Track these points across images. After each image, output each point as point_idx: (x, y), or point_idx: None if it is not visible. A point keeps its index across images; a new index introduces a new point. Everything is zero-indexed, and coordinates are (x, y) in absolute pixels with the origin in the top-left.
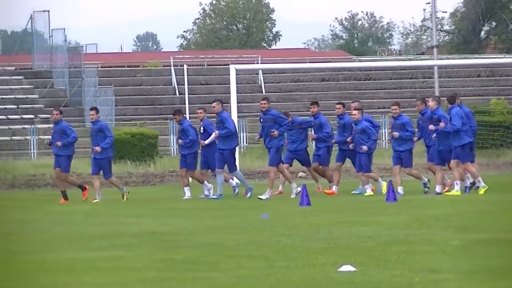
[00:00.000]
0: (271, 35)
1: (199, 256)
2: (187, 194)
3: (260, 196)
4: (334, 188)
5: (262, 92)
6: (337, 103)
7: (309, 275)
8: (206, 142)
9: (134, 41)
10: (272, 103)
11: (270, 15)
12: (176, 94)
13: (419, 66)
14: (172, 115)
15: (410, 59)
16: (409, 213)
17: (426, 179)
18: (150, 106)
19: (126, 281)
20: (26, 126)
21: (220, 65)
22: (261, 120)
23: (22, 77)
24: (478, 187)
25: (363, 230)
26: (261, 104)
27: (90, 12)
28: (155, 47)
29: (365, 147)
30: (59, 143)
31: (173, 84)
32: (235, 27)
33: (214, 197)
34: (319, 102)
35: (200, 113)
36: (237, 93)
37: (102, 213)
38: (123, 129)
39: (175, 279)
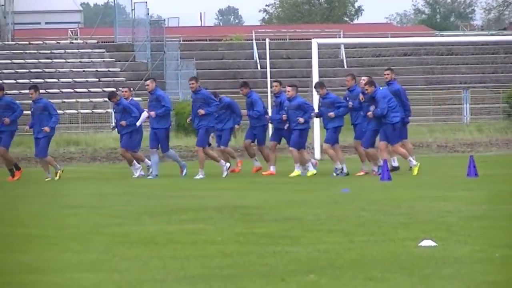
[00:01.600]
0: (353, 9)
1: (279, 230)
2: (137, 172)
3: (195, 177)
4: (271, 168)
5: (343, 67)
6: (274, 81)
7: (389, 250)
8: (138, 123)
9: (216, 15)
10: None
11: None
12: (257, 68)
13: (501, 42)
14: (108, 99)
15: (492, 34)
16: (490, 188)
17: (340, 165)
18: (231, 80)
19: (206, 254)
20: (108, 99)
21: (302, 40)
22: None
23: (104, 50)
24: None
25: (444, 205)
26: (190, 84)
27: None
28: (237, 21)
29: (301, 119)
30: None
31: (254, 58)
32: (317, 1)
33: (150, 177)
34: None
35: (125, 92)
36: (318, 67)
37: (182, 187)
38: None
39: (255, 253)
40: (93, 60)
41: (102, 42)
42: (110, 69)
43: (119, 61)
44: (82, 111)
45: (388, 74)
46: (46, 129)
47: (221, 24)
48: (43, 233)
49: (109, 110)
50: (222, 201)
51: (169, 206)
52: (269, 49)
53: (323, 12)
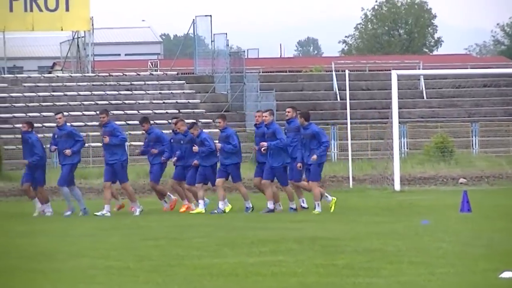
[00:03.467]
0: (433, 40)
1: (360, 262)
2: (38, 206)
3: (96, 213)
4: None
5: (423, 98)
6: (174, 117)
7: (469, 281)
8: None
9: (296, 46)
10: (433, 109)
11: (432, 21)
12: (337, 100)
13: None
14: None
15: None
16: None
17: (251, 205)
18: (311, 111)
19: (286, 286)
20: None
21: (381, 71)
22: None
23: (183, 81)
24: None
25: None
26: (101, 117)
27: (251, 16)
28: (316, 52)
29: (199, 148)
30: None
31: (334, 90)
32: (396, 33)
33: (67, 213)
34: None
35: (23, 127)
36: (398, 98)
37: (263, 219)
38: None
39: (336, 285)
40: (173, 91)
41: (182, 74)
42: (190, 100)
43: (199, 92)
44: None
45: (289, 112)
46: None
47: (300, 55)
48: (124, 265)
49: None
50: (302, 233)
51: (249, 238)
52: (349, 80)
53: (403, 43)
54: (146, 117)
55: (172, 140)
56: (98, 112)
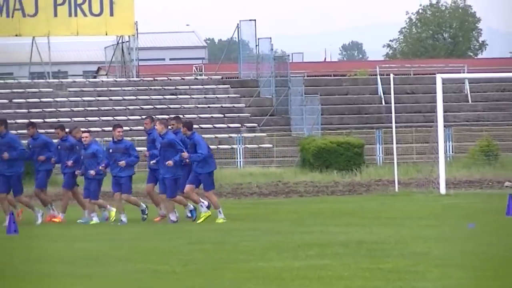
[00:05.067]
0: (478, 44)
1: (405, 266)
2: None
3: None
4: (61, 215)
5: (468, 102)
6: (57, 126)
7: None
8: None
9: (340, 50)
10: (478, 112)
11: (476, 24)
12: (382, 103)
13: None
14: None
15: None
16: None
17: (145, 205)
18: (356, 115)
19: None
20: (233, 135)
21: (426, 75)
22: None
23: (228, 86)
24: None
25: None
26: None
27: (296, 21)
28: (360, 56)
29: (93, 172)
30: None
31: (379, 93)
32: (441, 36)
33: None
34: None
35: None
36: (443, 102)
37: (309, 222)
38: (329, 138)
39: None
40: (218, 96)
41: (226, 78)
42: (235, 105)
43: (244, 96)
44: None
45: (173, 125)
46: None
47: (345, 59)
48: (169, 269)
49: (234, 146)
50: (348, 237)
51: (295, 241)
52: (394, 84)
53: (447, 47)
54: (33, 122)
55: (59, 147)
56: (143, 117)
